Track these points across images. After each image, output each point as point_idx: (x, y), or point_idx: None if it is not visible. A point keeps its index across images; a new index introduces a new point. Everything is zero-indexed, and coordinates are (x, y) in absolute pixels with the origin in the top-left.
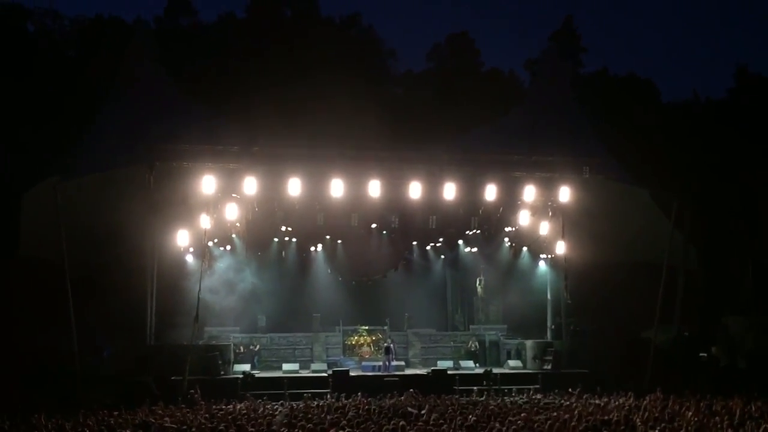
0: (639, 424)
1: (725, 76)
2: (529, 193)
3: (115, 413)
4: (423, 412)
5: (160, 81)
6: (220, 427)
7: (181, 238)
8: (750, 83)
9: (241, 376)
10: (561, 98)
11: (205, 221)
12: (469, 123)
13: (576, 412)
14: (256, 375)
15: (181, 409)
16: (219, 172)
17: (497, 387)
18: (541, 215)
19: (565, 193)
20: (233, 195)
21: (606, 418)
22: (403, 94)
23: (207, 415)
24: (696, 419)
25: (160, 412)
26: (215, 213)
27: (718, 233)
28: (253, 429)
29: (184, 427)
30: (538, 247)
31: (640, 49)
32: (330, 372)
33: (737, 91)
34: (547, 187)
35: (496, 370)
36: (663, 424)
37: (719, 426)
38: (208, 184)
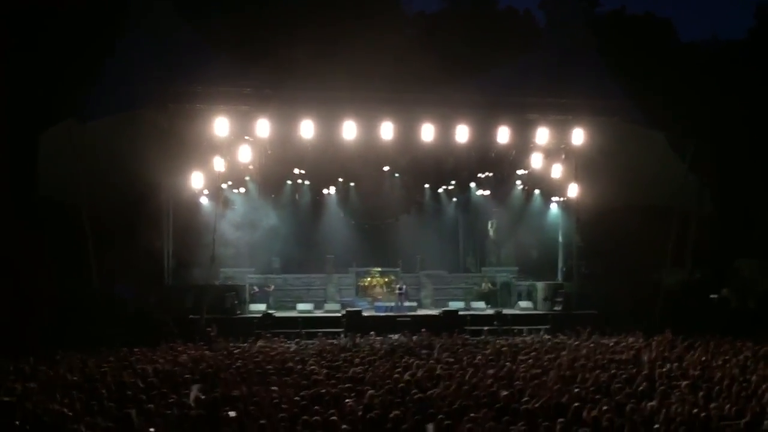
0: (647, 363)
1: (745, 15)
2: (542, 135)
3: (136, 350)
4: (434, 350)
5: (174, 22)
6: (238, 363)
7: (196, 181)
8: None
9: (257, 315)
10: (576, 39)
11: (218, 163)
12: (483, 64)
13: (585, 351)
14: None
15: (199, 346)
16: (232, 114)
17: (508, 327)
18: (554, 158)
19: (578, 136)
20: (246, 137)
21: (615, 357)
22: (416, 36)
23: (225, 352)
24: (704, 359)
25: (179, 349)
26: (229, 155)
27: (734, 176)
28: (270, 366)
29: (203, 363)
30: (550, 190)
31: None
32: (343, 312)
33: (757, 30)
34: (561, 129)
35: (506, 311)
36: (671, 364)
37: (727, 366)
38: (221, 126)
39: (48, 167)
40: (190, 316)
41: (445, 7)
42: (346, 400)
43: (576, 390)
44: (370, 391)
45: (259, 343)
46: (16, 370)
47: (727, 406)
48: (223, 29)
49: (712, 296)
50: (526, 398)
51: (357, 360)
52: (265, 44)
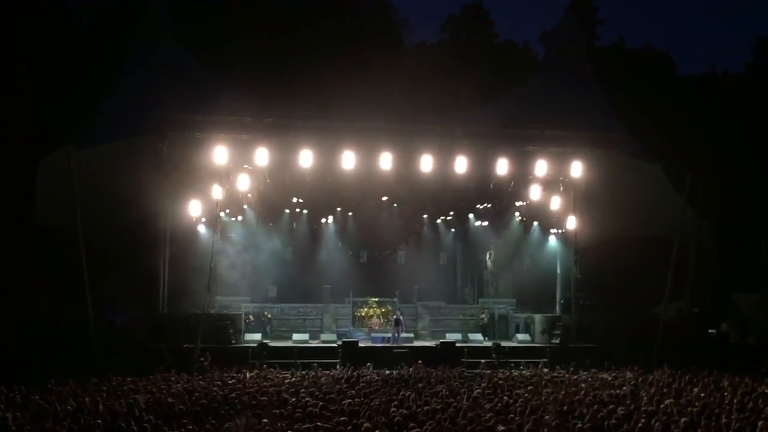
0: (645, 398)
1: (743, 49)
2: (541, 167)
3: (128, 380)
4: (431, 383)
5: (175, 51)
6: (232, 395)
7: (194, 209)
8: None
9: (252, 345)
10: (576, 71)
11: (217, 192)
12: (483, 96)
13: (583, 385)
14: (269, 345)
15: (193, 376)
16: (231, 142)
17: (505, 360)
18: (553, 190)
19: (577, 168)
20: (245, 166)
21: (613, 392)
22: (416, 66)
23: (219, 383)
24: (703, 395)
25: (173, 379)
26: (227, 184)
27: (733, 209)
28: (263, 397)
29: (196, 394)
30: (548, 222)
31: (657, 21)
32: (340, 342)
33: (755, 64)
34: (560, 161)
35: (504, 344)
36: (670, 399)
37: (726, 402)
38: (220, 154)
39: (46, 194)
40: (185, 345)
41: (444, 38)
42: None
43: (574, 425)
44: (366, 425)
45: (253, 373)
46: (7, 399)
47: None
48: (224, 59)
49: (710, 330)
50: None
51: (352, 392)
52: (266, 74)
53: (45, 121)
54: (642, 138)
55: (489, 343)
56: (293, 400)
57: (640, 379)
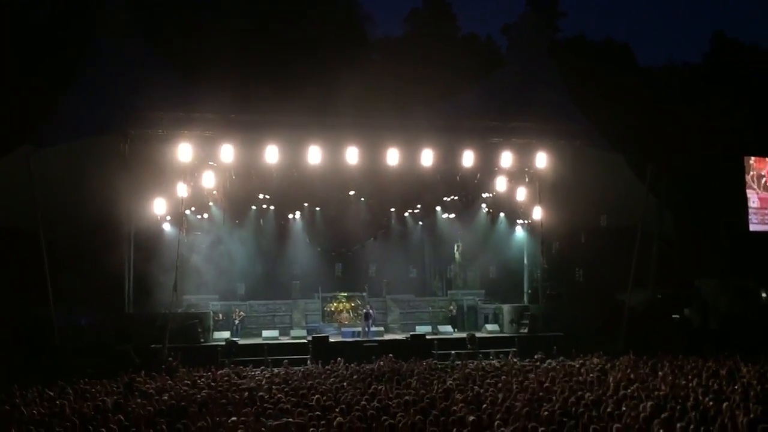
0: (613, 384)
1: (701, 41)
2: (506, 159)
3: (95, 382)
4: (402, 376)
5: (135, 47)
6: (202, 394)
7: (158, 207)
8: (726, 48)
9: (222, 343)
10: (538, 64)
11: (182, 189)
12: (448, 89)
13: (552, 374)
14: (237, 342)
15: (162, 376)
16: (195, 139)
17: (479, 350)
18: (518, 181)
19: (542, 159)
20: (210, 163)
21: (581, 378)
22: (380, 60)
23: (188, 382)
24: (668, 379)
25: (140, 380)
26: (192, 181)
27: (693, 198)
28: (235, 395)
29: (165, 396)
30: (515, 213)
31: (617, 13)
32: (310, 338)
33: (713, 55)
34: (524, 153)
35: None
36: (636, 384)
37: (691, 385)
38: (184, 151)
39: (4, 195)
40: (152, 346)
41: (408, 32)
42: (312, 429)
43: (544, 413)
44: (338, 419)
45: (223, 371)
46: None
47: (692, 426)
48: (186, 54)
49: (674, 316)
50: (498, 421)
51: (324, 387)
52: (229, 70)
53: (2, 120)
54: (605, 129)
55: (459, 335)
56: (265, 396)
57: (607, 366)
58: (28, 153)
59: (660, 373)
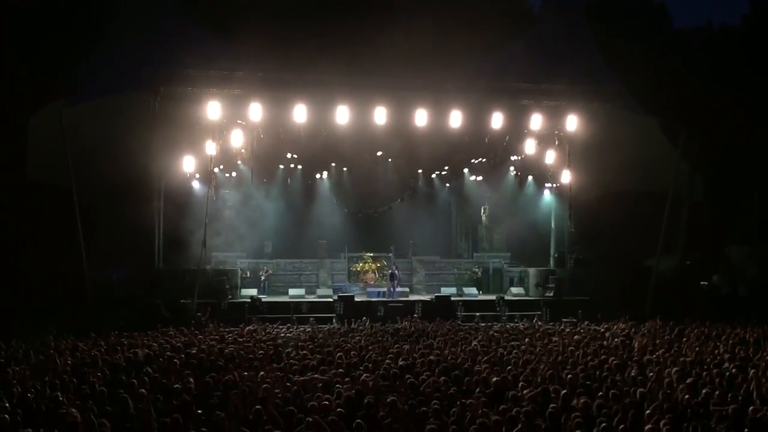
0: (638, 349)
1: (740, 2)
2: (536, 121)
3: (126, 335)
4: (427, 336)
5: (166, 4)
6: (230, 348)
7: (187, 164)
8: (766, 9)
9: (249, 300)
10: (572, 23)
11: (210, 147)
12: (477, 49)
13: (576, 337)
14: (263, 299)
15: (191, 331)
16: (224, 97)
17: (508, 312)
18: (548, 144)
19: (572, 122)
20: (239, 121)
21: (605, 343)
22: (408, 20)
23: (216, 337)
24: (695, 345)
25: (171, 333)
26: (221, 139)
27: (726, 163)
28: (261, 351)
29: (194, 349)
30: (543, 176)
31: None
32: (336, 297)
33: (752, 16)
34: (554, 115)
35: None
36: (661, 350)
37: (716, 352)
38: (213, 109)
39: (37, 151)
40: (182, 301)
41: None
42: (338, 386)
43: (567, 376)
44: (363, 377)
45: (251, 327)
46: (7, 354)
47: (717, 392)
48: (216, 12)
49: (702, 283)
50: (521, 383)
51: (349, 346)
52: (258, 28)
53: (34, 75)
54: (637, 91)
55: (484, 297)
56: (291, 353)
57: (632, 331)
58: (61, 108)
59: (686, 340)
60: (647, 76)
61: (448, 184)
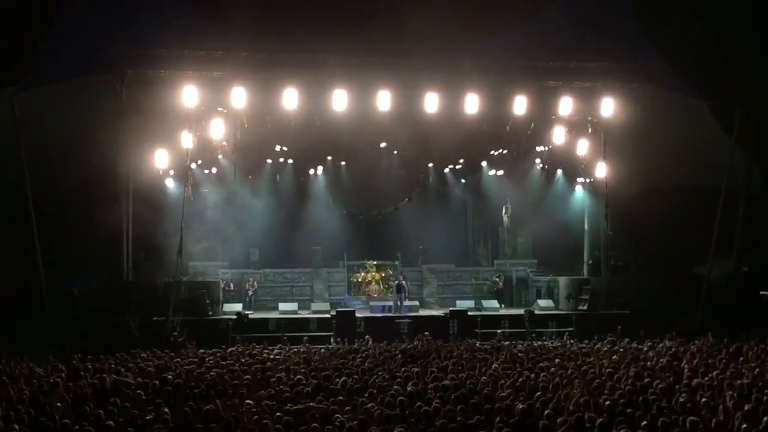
0: (687, 371)
1: None
2: (566, 105)
3: (91, 358)
4: (440, 357)
5: None
6: (211, 373)
7: (160, 159)
8: None
9: (233, 317)
10: None
11: (186, 139)
12: (497, 22)
13: (615, 357)
14: (250, 316)
15: (166, 353)
16: (202, 81)
17: (536, 329)
18: (580, 132)
19: (608, 106)
20: (219, 109)
21: (649, 364)
22: None
23: (195, 360)
24: (753, 366)
25: (142, 356)
26: (198, 130)
27: None
28: (247, 376)
29: (170, 374)
30: (574, 170)
31: None
32: (333, 313)
33: None
34: (587, 98)
35: (522, 311)
36: (715, 372)
37: None
38: (189, 95)
39: None
40: (155, 318)
41: None
42: (337, 416)
43: (605, 403)
44: (367, 405)
45: (234, 349)
46: None
47: None
48: None
49: (762, 293)
50: (550, 411)
51: (349, 369)
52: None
53: None
54: (684, 70)
55: (507, 311)
56: (282, 378)
57: (681, 349)
58: (12, 96)
59: (743, 359)
60: (696, 51)
61: (463, 180)
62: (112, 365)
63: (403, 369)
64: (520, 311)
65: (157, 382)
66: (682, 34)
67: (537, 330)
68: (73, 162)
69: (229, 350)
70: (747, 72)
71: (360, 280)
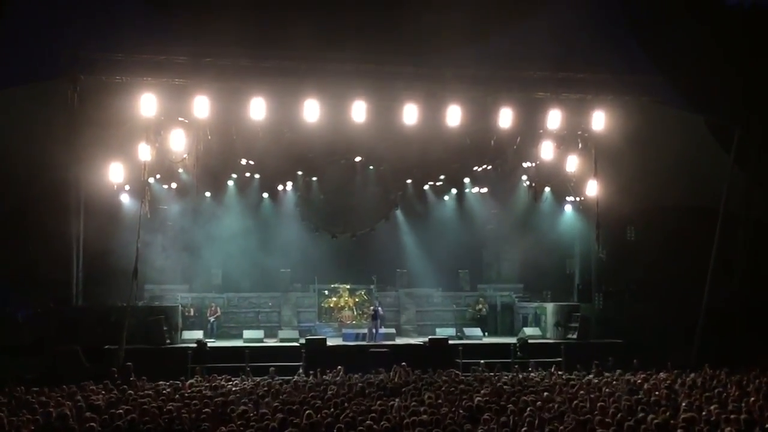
0: (684, 405)
1: None
2: (554, 119)
3: (35, 390)
4: (418, 390)
5: None
6: (168, 407)
7: (115, 173)
8: None
9: (192, 345)
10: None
11: (144, 152)
12: (482, 29)
13: (606, 390)
14: (211, 344)
15: (117, 386)
16: (162, 89)
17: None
18: (569, 147)
19: (599, 120)
20: (180, 119)
21: (644, 398)
22: None
23: (151, 393)
24: (754, 400)
25: (92, 389)
26: (157, 141)
27: None
28: (207, 410)
29: (122, 408)
30: (563, 188)
31: None
32: (303, 341)
33: None
34: (577, 111)
35: (507, 340)
36: (713, 407)
37: None
38: (147, 104)
39: None
40: (106, 347)
41: None
42: None
43: None
44: None
45: (194, 380)
46: None
47: None
48: None
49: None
50: None
51: (319, 402)
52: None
53: None
54: (680, 82)
55: (490, 340)
56: (246, 412)
57: (677, 382)
58: None
59: (745, 392)
60: (692, 63)
61: (446, 198)
62: (59, 398)
63: (378, 402)
64: (506, 339)
65: (107, 417)
66: (678, 44)
67: (522, 360)
68: (18, 176)
69: (188, 382)
70: (747, 86)
71: (332, 305)
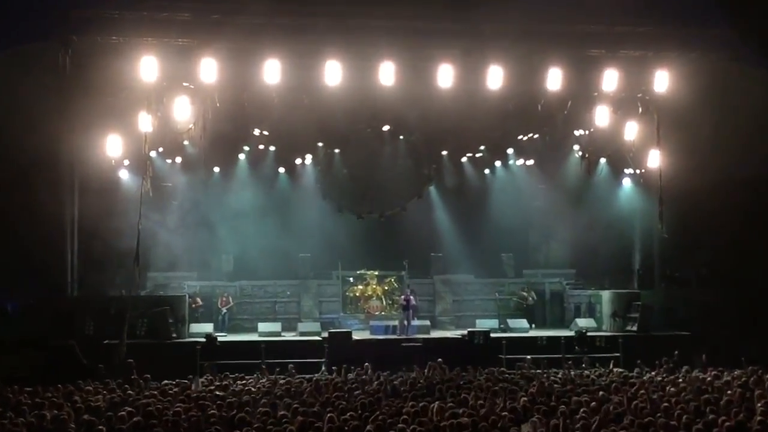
0: (760, 407)
1: None
2: (611, 79)
3: (28, 390)
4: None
5: None
6: (175, 408)
7: (112, 146)
8: None
9: (201, 339)
10: None
11: (145, 122)
12: None
13: (671, 389)
14: (222, 338)
15: (119, 384)
16: (164, 50)
17: (584, 355)
18: (628, 112)
19: (662, 80)
20: (185, 84)
21: (714, 397)
22: None
23: (155, 393)
24: None
25: (90, 388)
26: (159, 110)
27: None
28: (218, 412)
29: (124, 410)
30: (622, 159)
31: None
32: (325, 335)
33: None
34: (637, 71)
35: (556, 333)
36: None
37: None
38: (148, 68)
39: None
40: (105, 342)
41: None
42: None
43: None
44: None
45: (204, 379)
46: None
47: None
48: None
49: None
50: None
51: (344, 403)
52: None
53: None
54: (756, 36)
55: (537, 332)
56: (260, 415)
57: (753, 379)
58: None
59: None
60: None
61: (486, 171)
62: (54, 399)
63: (410, 404)
64: (558, 333)
65: (107, 420)
66: None
67: (574, 356)
68: (5, 148)
69: (198, 380)
70: None
71: (358, 294)
